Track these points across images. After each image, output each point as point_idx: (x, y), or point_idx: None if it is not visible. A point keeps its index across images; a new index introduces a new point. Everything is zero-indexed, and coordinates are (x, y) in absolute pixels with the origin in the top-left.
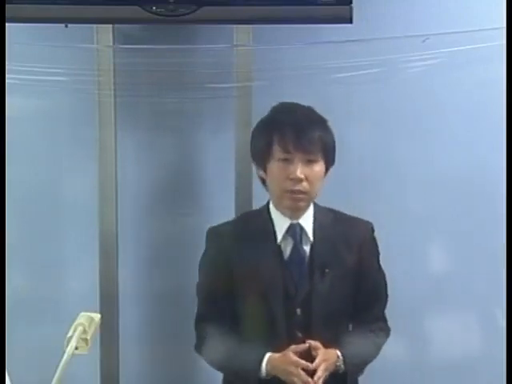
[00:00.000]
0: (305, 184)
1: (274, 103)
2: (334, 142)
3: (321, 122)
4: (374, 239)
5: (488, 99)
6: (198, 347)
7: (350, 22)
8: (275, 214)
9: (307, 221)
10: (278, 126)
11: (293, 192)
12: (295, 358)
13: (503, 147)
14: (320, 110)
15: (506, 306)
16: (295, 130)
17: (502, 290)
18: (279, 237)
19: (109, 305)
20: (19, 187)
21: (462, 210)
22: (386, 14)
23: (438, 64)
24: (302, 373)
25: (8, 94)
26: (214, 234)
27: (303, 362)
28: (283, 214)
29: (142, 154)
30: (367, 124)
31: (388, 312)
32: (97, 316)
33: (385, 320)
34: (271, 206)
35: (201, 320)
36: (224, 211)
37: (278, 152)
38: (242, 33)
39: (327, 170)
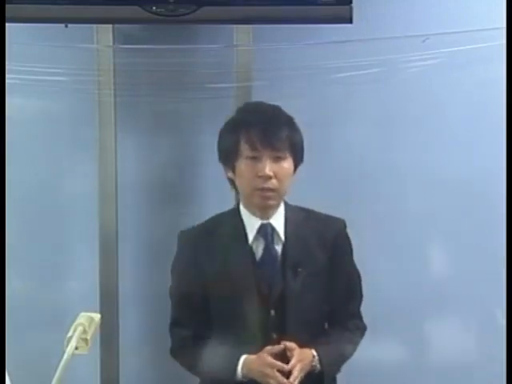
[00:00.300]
0: (274, 181)
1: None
2: (301, 140)
3: (288, 120)
4: (346, 236)
5: (488, 99)
6: (173, 352)
7: (350, 22)
8: (245, 215)
9: (278, 220)
10: (245, 125)
11: (262, 190)
12: (270, 359)
13: (503, 147)
14: (320, 109)
15: (506, 306)
16: (262, 128)
17: (502, 290)
18: (250, 237)
19: (109, 305)
20: (19, 187)
21: (462, 210)
22: (386, 14)
23: (437, 64)
24: (278, 374)
25: (8, 94)
26: (185, 236)
27: (278, 363)
28: (253, 214)
29: (142, 153)
30: (367, 124)
31: (387, 312)
32: (97, 316)
33: (360, 318)
34: (241, 206)
35: (174, 324)
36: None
37: (245, 150)
38: (242, 33)
39: (296, 167)
